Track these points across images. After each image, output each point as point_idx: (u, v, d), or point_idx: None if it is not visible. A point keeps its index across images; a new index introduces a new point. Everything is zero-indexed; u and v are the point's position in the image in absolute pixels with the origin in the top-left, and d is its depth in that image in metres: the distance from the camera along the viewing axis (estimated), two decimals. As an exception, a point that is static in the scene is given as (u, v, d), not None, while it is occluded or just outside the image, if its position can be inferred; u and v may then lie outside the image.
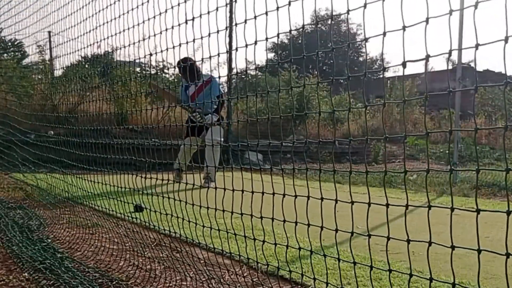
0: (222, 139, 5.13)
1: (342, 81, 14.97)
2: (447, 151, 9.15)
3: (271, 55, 26.92)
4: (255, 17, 1.62)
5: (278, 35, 1.59)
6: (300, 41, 26.94)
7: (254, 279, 1.84)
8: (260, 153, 7.96)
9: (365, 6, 1.28)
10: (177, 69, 4.61)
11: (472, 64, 18.20)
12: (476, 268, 2.12)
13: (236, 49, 1.74)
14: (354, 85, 15.76)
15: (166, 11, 2.13)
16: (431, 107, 14.18)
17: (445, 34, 1.16)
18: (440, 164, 8.50)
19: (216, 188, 1.88)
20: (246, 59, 1.79)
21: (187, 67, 4.11)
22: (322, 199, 1.44)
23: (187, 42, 2.00)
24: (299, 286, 1.78)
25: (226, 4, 1.96)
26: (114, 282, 1.81)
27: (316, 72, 15.09)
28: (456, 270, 2.04)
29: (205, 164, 4.65)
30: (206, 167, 4.37)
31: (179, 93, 5.27)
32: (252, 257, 1.86)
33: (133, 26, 2.38)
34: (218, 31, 1.85)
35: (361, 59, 29.46)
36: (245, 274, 1.90)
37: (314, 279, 1.55)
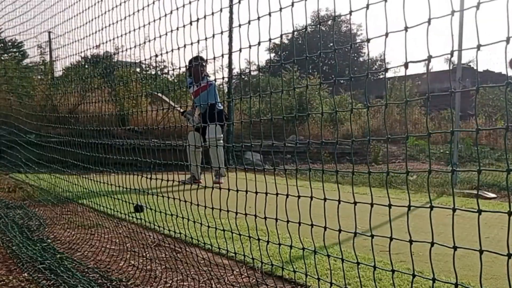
0: (221, 135, 5.27)
1: (342, 81, 14.96)
2: (447, 152, 9.16)
3: (271, 55, 26.89)
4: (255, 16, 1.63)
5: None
6: (300, 41, 26.94)
7: (254, 280, 1.84)
8: (261, 153, 7.95)
9: (367, 7, 1.28)
10: (182, 69, 4.75)
11: (472, 65, 18.23)
12: (477, 268, 2.12)
13: (240, 49, 1.74)
14: (354, 85, 15.74)
15: (171, 12, 2.13)
16: (431, 108, 14.19)
17: (444, 35, 1.16)
18: (440, 164, 8.50)
19: (217, 188, 1.88)
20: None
21: (192, 67, 4.33)
22: (325, 199, 1.44)
23: (191, 43, 2.01)
24: (299, 287, 1.78)
25: (227, 8, 1.96)
26: (114, 283, 1.81)
27: (316, 73, 15.10)
28: (457, 270, 2.05)
29: (211, 163, 4.95)
30: (216, 166, 4.63)
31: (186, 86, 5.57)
32: (252, 257, 1.86)
33: (139, 28, 2.38)
34: (221, 32, 1.85)
35: (361, 59, 29.46)
36: (245, 275, 1.90)
37: (318, 279, 1.55)
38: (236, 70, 7.31)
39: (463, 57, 6.26)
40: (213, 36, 1.88)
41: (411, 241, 1.21)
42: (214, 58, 1.91)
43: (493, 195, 4.89)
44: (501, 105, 11.94)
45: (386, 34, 1.22)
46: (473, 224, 3.23)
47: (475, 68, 18.04)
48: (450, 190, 5.07)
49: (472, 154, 8.99)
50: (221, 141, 5.31)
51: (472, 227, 3.01)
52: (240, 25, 1.73)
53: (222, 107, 5.62)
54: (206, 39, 1.91)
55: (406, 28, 1.17)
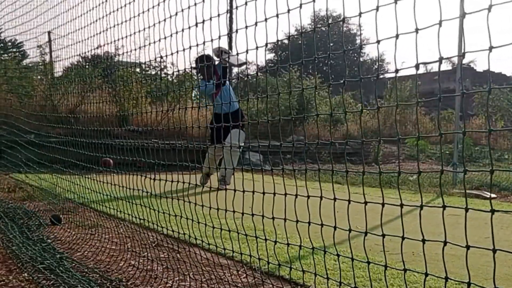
0: (242, 144, 5.02)
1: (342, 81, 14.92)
2: (447, 152, 9.16)
3: (271, 56, 26.93)
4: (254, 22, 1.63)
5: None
6: (299, 41, 26.93)
7: (254, 280, 1.85)
8: (260, 153, 7.95)
9: (377, 9, 1.28)
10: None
11: (472, 65, 18.21)
12: (476, 268, 2.12)
13: (237, 54, 1.74)
14: (353, 85, 15.75)
15: (170, 17, 2.14)
16: (431, 108, 14.19)
17: (444, 35, 1.16)
18: (440, 164, 8.51)
19: (216, 188, 1.88)
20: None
21: (205, 67, 4.11)
22: (321, 197, 1.44)
23: (190, 47, 2.02)
24: (299, 287, 1.78)
25: (227, 11, 1.97)
26: (113, 283, 1.81)
27: (316, 73, 15.10)
28: (456, 270, 2.05)
29: (221, 166, 4.73)
30: (224, 169, 4.48)
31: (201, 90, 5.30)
32: (252, 257, 1.86)
33: (139, 31, 2.39)
34: (219, 37, 1.85)
35: (361, 59, 29.47)
36: (245, 274, 1.90)
37: (315, 274, 1.55)
38: (235, 70, 7.30)
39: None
40: (212, 40, 1.89)
41: (423, 241, 1.21)
42: (214, 59, 1.91)
43: (493, 195, 4.89)
44: (500, 105, 11.93)
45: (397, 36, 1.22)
46: (473, 224, 3.22)
47: (475, 68, 18.03)
48: (450, 190, 5.07)
49: (472, 154, 9.00)
50: (238, 150, 5.04)
51: (472, 227, 2.99)
52: (237, 30, 1.73)
53: (238, 107, 5.25)
54: (204, 43, 1.92)
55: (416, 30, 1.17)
